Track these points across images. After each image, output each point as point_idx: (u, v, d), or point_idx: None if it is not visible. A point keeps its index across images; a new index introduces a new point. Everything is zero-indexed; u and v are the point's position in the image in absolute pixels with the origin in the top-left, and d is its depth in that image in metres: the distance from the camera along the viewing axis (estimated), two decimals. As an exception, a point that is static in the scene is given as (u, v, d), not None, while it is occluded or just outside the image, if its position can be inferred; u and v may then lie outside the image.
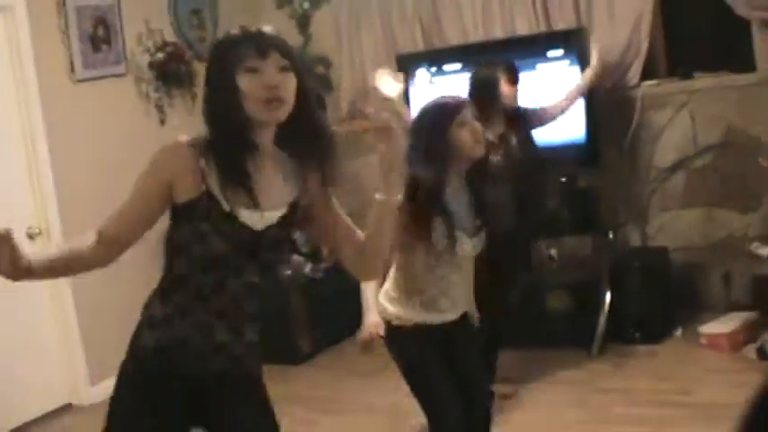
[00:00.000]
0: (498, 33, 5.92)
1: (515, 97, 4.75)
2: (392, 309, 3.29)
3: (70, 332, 5.25)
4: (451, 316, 3.31)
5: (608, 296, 5.33)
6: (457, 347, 3.37)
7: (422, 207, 3.12)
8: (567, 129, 5.30)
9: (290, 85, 2.29)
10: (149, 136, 5.82)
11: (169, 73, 6.10)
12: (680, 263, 5.65)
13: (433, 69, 5.79)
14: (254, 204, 2.30)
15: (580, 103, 5.23)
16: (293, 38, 6.66)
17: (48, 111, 5.19)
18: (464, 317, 3.37)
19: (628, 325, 5.36)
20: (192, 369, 2.40)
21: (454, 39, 6.03)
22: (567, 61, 5.31)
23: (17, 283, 2.29)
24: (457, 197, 3.25)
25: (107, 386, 2.66)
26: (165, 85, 6.12)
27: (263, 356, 2.57)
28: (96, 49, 5.44)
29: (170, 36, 6.19)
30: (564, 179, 5.62)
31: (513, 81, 4.73)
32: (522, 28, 5.82)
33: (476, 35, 6.00)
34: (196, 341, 2.37)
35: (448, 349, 3.34)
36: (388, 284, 3.32)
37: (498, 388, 4.76)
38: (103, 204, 2.72)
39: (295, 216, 2.41)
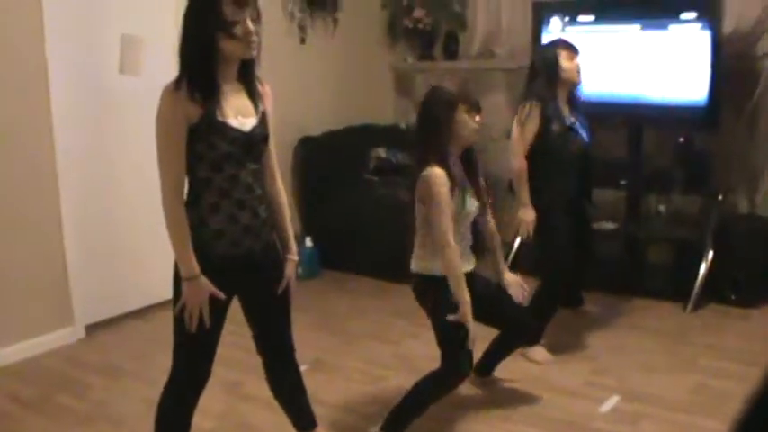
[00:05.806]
0: (634, -10, 6.00)
1: (577, 72, 4.61)
2: None
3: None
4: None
5: (710, 256, 5.45)
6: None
7: None
8: (690, 90, 5.38)
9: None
10: (289, 54, 6.16)
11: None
12: (784, 235, 5.70)
13: (567, 19, 5.87)
14: (235, 114, 2.91)
15: (706, 66, 5.27)
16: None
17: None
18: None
19: (725, 287, 5.48)
20: (230, 252, 2.97)
21: (591, -9, 6.09)
22: (699, 24, 5.30)
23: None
24: None
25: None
26: (309, 6, 6.43)
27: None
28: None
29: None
30: (681, 139, 5.73)
31: (573, 55, 4.61)
32: (658, -13, 5.87)
33: (612, -11, 6.07)
34: (230, 230, 2.95)
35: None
36: None
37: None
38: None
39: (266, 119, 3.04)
